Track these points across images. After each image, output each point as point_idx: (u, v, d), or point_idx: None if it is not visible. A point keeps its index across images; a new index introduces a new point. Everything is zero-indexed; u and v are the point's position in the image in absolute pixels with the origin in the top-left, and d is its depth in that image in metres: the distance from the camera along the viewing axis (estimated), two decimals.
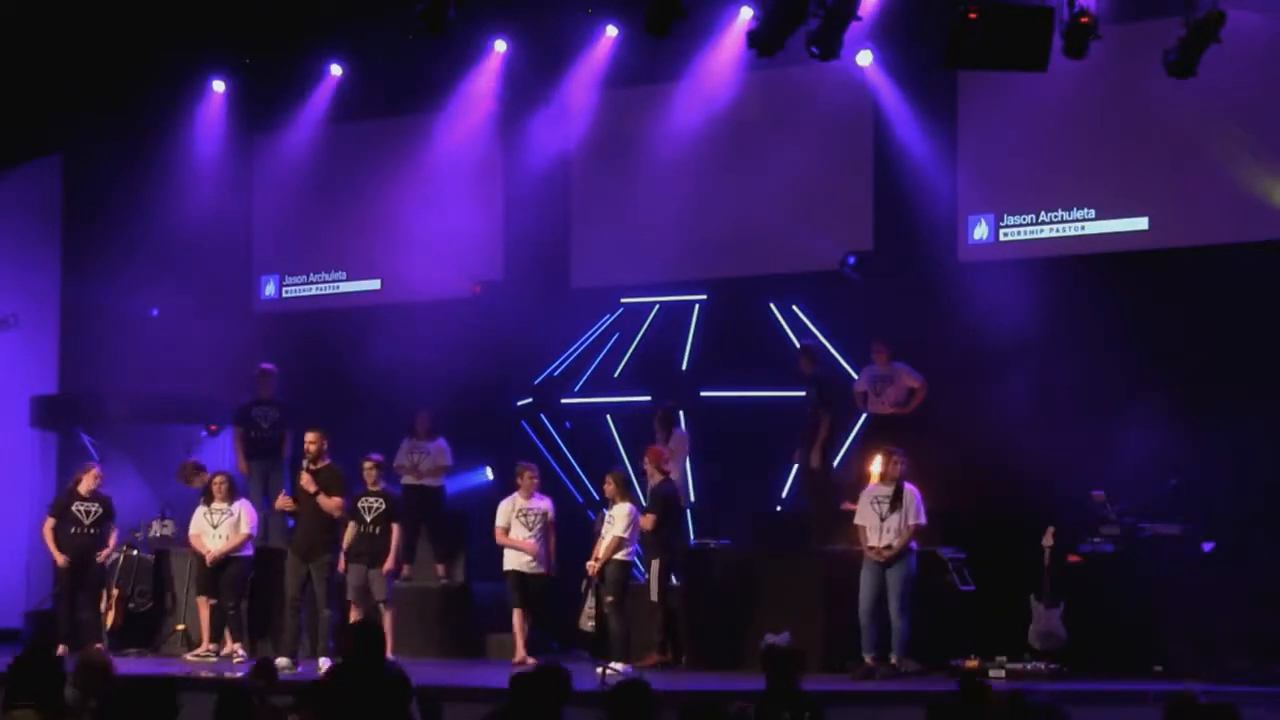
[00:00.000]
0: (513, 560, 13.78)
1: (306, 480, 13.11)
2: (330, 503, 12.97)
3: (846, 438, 14.96)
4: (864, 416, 14.83)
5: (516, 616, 13.75)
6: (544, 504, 13.86)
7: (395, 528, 13.86)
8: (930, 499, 13.45)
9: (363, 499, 14.01)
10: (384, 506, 13.94)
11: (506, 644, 14.48)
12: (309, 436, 13.34)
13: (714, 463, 15.52)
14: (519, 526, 13.74)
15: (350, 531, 13.89)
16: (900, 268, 15.18)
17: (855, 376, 14.91)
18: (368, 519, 13.91)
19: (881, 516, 12.66)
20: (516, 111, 16.81)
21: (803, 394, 14.81)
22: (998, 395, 14.15)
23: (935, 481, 13.98)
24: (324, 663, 12.81)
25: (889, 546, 12.59)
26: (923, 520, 12.63)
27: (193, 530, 14.45)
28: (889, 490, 12.70)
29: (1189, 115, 13.81)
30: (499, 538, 13.83)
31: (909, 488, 12.70)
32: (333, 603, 13.17)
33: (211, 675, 12.61)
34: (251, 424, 15.29)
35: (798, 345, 15.08)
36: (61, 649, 14.19)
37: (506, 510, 13.83)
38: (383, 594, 13.91)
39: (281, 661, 12.82)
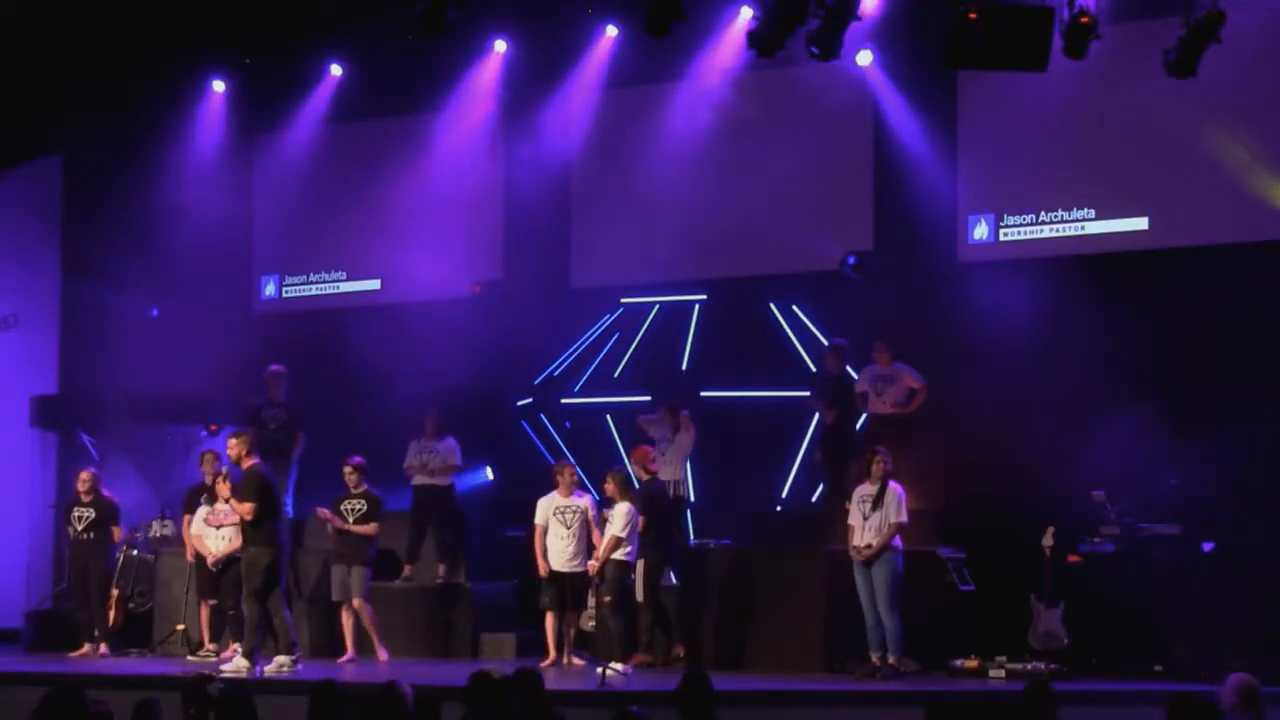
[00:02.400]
0: (553, 561, 13.54)
1: (222, 487, 13.10)
2: (241, 508, 12.86)
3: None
4: (865, 417, 14.84)
5: (550, 619, 13.53)
6: (582, 501, 13.69)
7: (370, 527, 14.01)
8: (930, 499, 13.45)
9: (344, 501, 14.09)
10: (365, 508, 14.07)
11: (506, 644, 14.51)
12: (229, 441, 13.23)
13: (714, 463, 15.51)
14: (556, 524, 13.53)
15: (333, 533, 14.05)
16: (900, 268, 15.17)
17: (855, 377, 14.91)
18: (350, 520, 14.00)
19: (865, 516, 12.71)
20: (516, 111, 16.81)
21: (807, 393, 14.86)
22: (997, 395, 14.16)
23: (935, 481, 14.01)
24: (240, 661, 12.76)
25: (869, 545, 12.62)
26: (903, 518, 12.62)
27: (194, 530, 14.43)
28: (874, 490, 12.74)
29: (1189, 115, 13.80)
30: (537, 537, 13.59)
31: (893, 486, 12.71)
32: (276, 601, 13.01)
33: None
34: (261, 425, 15.26)
35: (826, 343, 15.01)
36: (86, 648, 14.51)
37: (544, 508, 13.59)
38: (359, 591, 13.97)
39: (281, 659, 12.85)
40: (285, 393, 15.69)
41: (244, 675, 12.51)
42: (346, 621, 14.10)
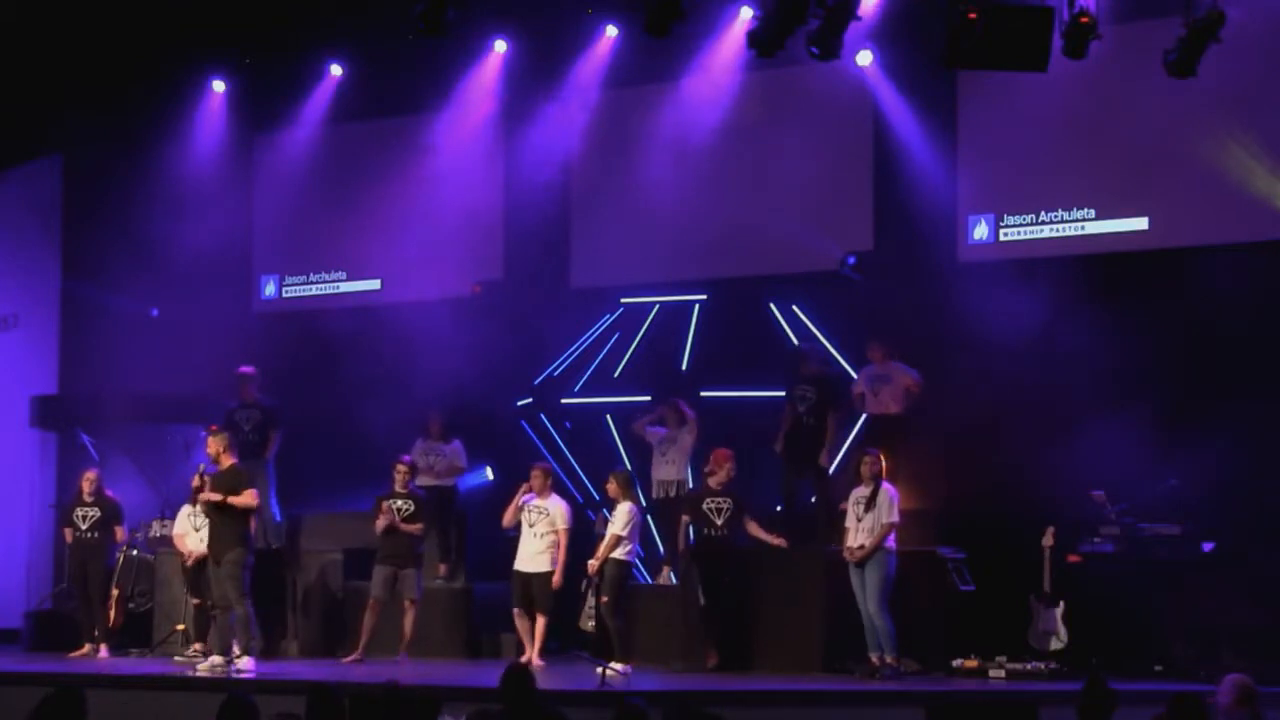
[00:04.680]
0: (517, 560, 13.80)
1: (204, 493, 13.14)
2: (241, 500, 12.96)
3: (846, 438, 14.95)
4: (864, 417, 14.83)
5: (515, 617, 13.80)
6: (549, 503, 13.81)
7: (417, 526, 14.07)
8: (930, 499, 13.43)
9: (391, 500, 14.11)
10: (413, 508, 14.15)
11: (506, 644, 14.53)
12: (209, 440, 13.34)
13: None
14: (523, 522, 13.80)
15: (379, 532, 14.07)
16: (900, 268, 15.16)
17: (855, 377, 14.91)
18: (398, 520, 14.02)
19: (859, 517, 12.76)
20: (516, 111, 16.80)
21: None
22: (997, 395, 14.16)
23: (935, 481, 13.99)
24: (246, 661, 12.81)
25: (861, 546, 12.66)
26: (894, 518, 12.66)
27: (176, 530, 14.47)
28: (867, 492, 12.78)
29: (1189, 115, 13.80)
30: (507, 518, 13.86)
31: (886, 487, 12.75)
32: (248, 601, 13.08)
33: (207, 676, 12.61)
34: (234, 427, 15.22)
35: (795, 349, 14.99)
36: (86, 648, 14.53)
37: (522, 505, 13.84)
38: (413, 593, 14.05)
39: (215, 660, 12.89)
40: (256, 393, 15.66)
41: (247, 674, 12.53)
42: (369, 621, 14.08)
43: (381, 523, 14.04)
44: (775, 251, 15.77)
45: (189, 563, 14.19)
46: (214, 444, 13.16)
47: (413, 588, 14.06)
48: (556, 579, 13.64)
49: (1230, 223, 13.97)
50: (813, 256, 15.52)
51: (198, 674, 12.69)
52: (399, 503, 14.14)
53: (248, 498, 12.96)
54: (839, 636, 13.12)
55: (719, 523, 13.53)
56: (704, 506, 13.62)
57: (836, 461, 14.66)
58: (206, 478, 13.16)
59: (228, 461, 13.11)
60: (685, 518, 13.76)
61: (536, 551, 13.72)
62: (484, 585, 15.09)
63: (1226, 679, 8.07)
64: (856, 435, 14.93)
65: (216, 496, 13.00)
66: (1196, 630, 12.68)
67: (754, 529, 13.60)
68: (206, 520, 13.90)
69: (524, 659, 13.39)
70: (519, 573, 13.76)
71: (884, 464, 12.93)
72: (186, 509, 14.36)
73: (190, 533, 14.25)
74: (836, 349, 15.46)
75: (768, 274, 15.91)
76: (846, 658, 12.98)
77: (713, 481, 13.70)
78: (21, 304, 18.44)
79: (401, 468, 14.25)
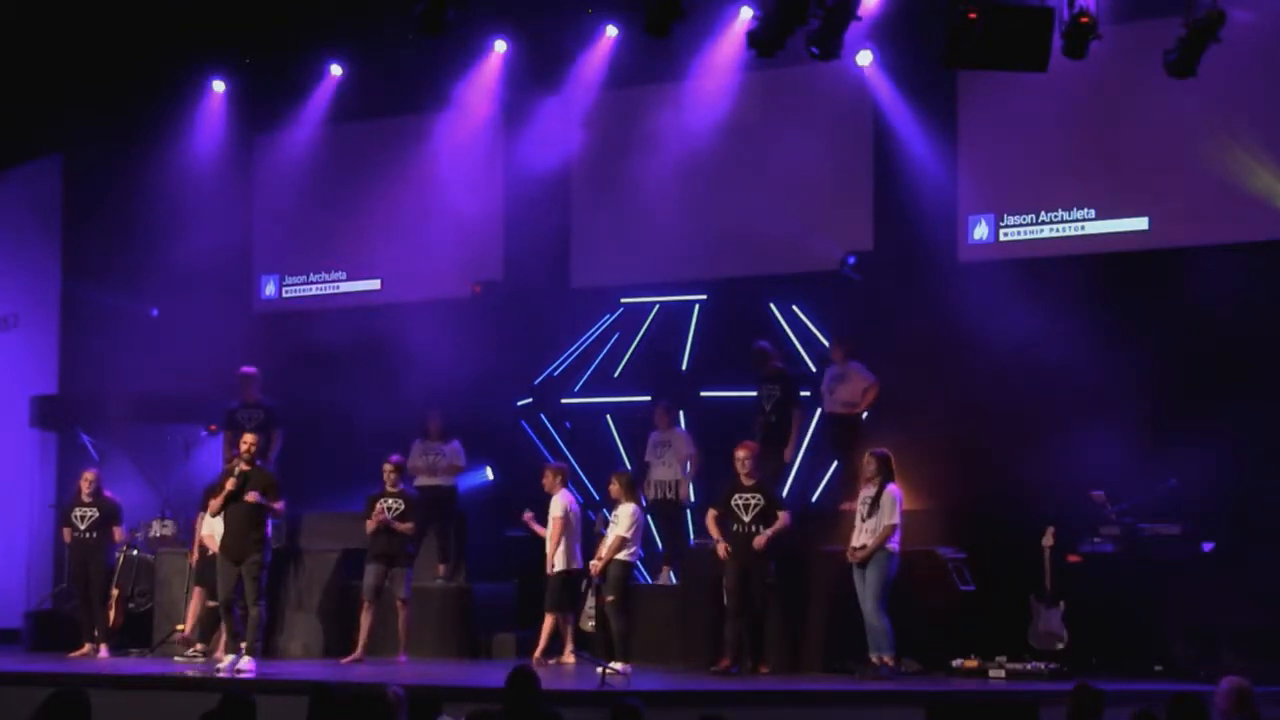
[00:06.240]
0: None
1: (232, 482, 13.16)
2: (276, 504, 13.14)
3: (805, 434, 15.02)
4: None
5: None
6: (554, 504, 13.81)
7: (408, 526, 14.06)
8: (930, 498, 13.42)
9: (381, 499, 14.10)
10: (403, 507, 14.13)
11: (506, 644, 14.54)
12: (246, 438, 13.39)
13: (714, 462, 15.49)
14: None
15: (370, 532, 14.05)
16: (900, 268, 15.17)
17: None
18: (390, 519, 14.02)
19: (863, 518, 12.77)
20: (516, 112, 16.81)
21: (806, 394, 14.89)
22: (997, 395, 14.17)
23: (935, 481, 13.99)
24: (247, 662, 12.81)
25: (863, 546, 12.67)
26: (894, 520, 12.64)
27: (205, 530, 14.41)
28: (872, 492, 12.79)
29: (1189, 115, 13.80)
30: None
31: (889, 489, 12.75)
32: (262, 602, 13.12)
33: (207, 676, 12.61)
34: (237, 427, 15.22)
35: (754, 349, 14.95)
36: (86, 647, 14.56)
37: None
38: (403, 592, 14.06)
39: (220, 660, 12.90)
40: (258, 393, 15.67)
41: (247, 674, 12.54)
42: (365, 621, 14.08)
43: (372, 523, 14.04)
44: (775, 251, 15.77)
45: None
46: (254, 443, 13.32)
47: (403, 586, 14.07)
48: (550, 555, 13.64)
49: (1230, 223, 13.97)
50: (813, 256, 15.52)
51: (197, 674, 12.69)
52: (389, 502, 14.14)
53: (278, 505, 13.16)
54: (839, 636, 13.13)
55: (746, 519, 13.26)
56: (732, 503, 13.34)
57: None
58: (237, 475, 13.20)
59: (259, 463, 13.28)
60: (714, 512, 13.39)
61: (551, 553, 13.72)
62: (484, 585, 15.10)
63: (1223, 683, 8.07)
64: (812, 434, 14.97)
65: (231, 486, 13.08)
66: (1196, 630, 12.68)
67: (781, 525, 13.18)
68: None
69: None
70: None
71: (891, 463, 12.89)
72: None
73: (219, 530, 14.23)
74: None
75: (768, 274, 15.91)
76: (847, 658, 12.98)
77: (744, 476, 13.38)
78: (21, 304, 18.45)
79: (390, 467, 14.25)
